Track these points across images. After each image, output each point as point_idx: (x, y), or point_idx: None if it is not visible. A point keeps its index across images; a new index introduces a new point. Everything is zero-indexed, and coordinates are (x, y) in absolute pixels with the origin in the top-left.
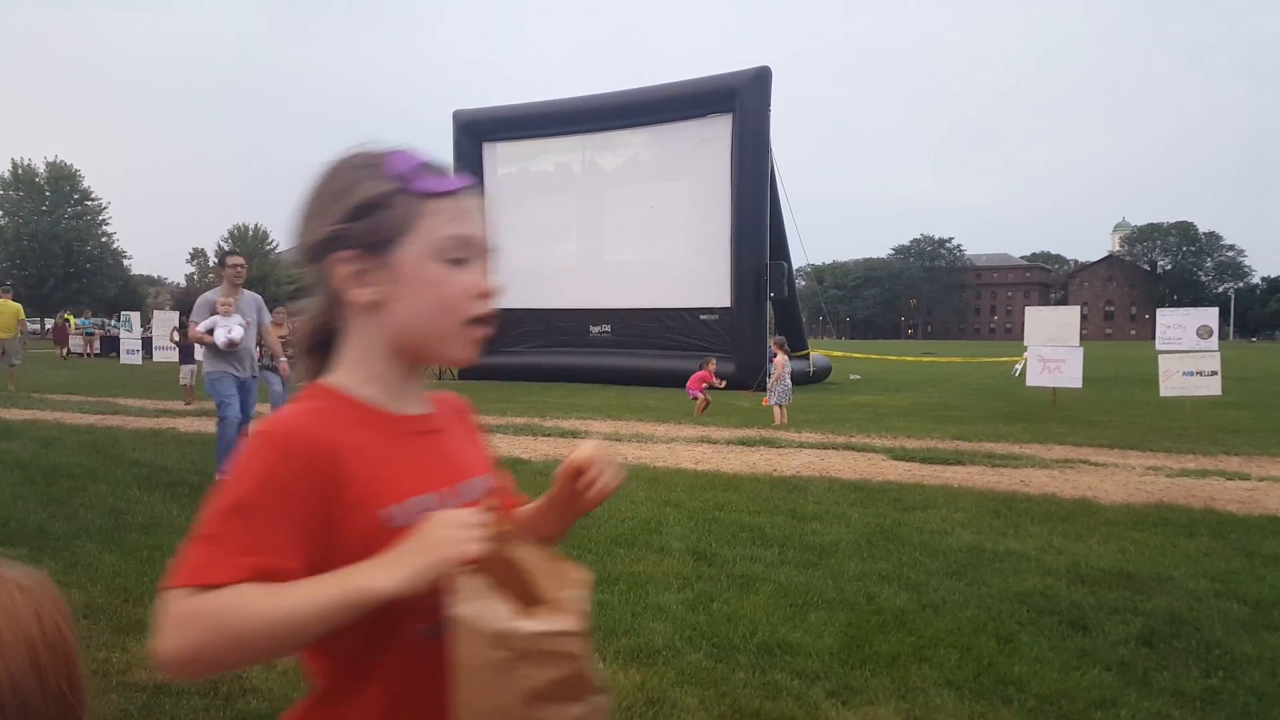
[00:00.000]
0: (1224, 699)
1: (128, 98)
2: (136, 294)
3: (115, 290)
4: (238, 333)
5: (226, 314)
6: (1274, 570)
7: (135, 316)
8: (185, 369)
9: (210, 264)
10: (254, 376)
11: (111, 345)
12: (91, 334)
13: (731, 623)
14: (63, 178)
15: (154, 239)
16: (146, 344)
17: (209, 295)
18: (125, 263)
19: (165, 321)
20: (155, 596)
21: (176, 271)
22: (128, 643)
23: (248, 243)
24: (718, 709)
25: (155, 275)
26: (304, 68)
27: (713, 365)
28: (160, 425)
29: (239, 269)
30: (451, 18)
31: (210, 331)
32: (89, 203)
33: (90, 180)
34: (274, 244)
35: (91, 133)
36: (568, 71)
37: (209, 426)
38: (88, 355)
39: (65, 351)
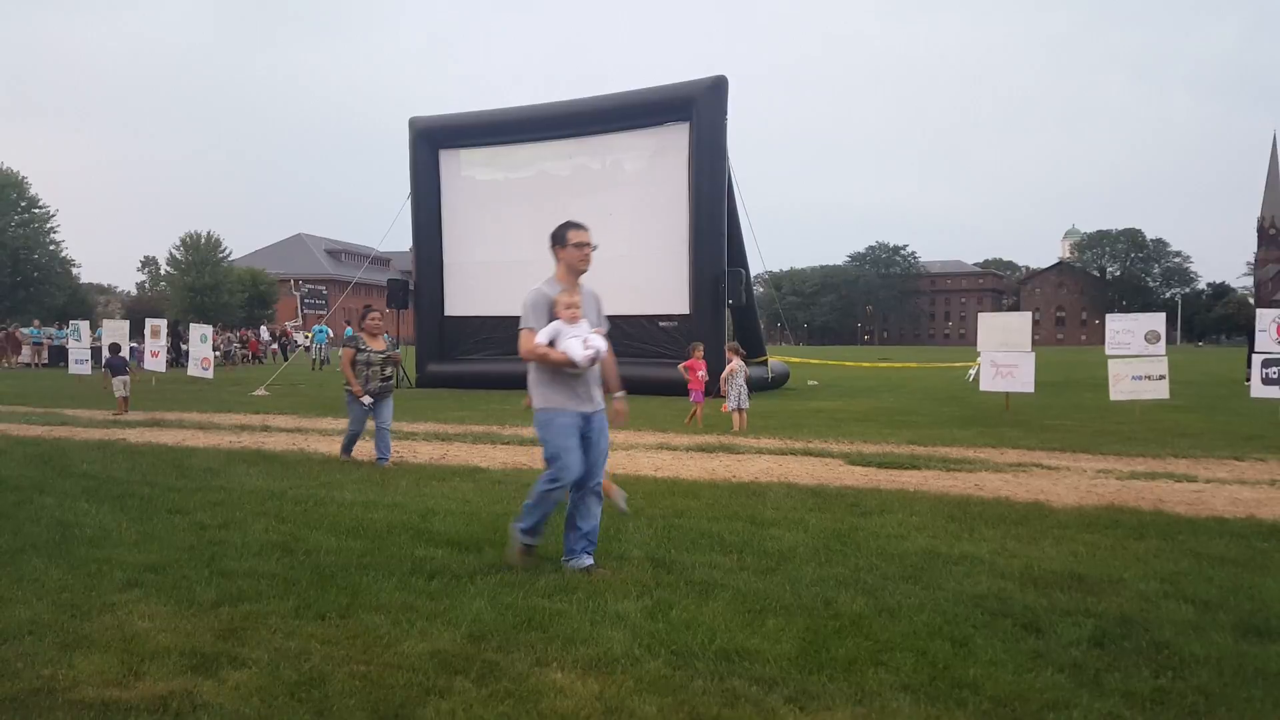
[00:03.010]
0: (1173, 699)
1: (75, 104)
2: (86, 303)
3: (64, 299)
4: (600, 342)
5: (574, 320)
6: (1221, 571)
7: (84, 326)
8: (118, 380)
9: (162, 272)
10: (601, 410)
11: (60, 355)
12: (40, 344)
13: (690, 630)
14: (9, 185)
15: (103, 247)
16: (96, 353)
17: (544, 291)
18: (74, 271)
19: (115, 330)
20: (103, 611)
21: (127, 280)
22: (74, 659)
23: (200, 250)
24: (676, 717)
25: (105, 284)
26: (255, 75)
27: (699, 351)
28: (110, 436)
29: (587, 251)
30: (407, 26)
31: (552, 343)
32: (36, 210)
33: (37, 188)
34: (226, 251)
35: (38, 139)
36: (525, 80)
37: (161, 437)
38: (35, 365)
39: (12, 361)
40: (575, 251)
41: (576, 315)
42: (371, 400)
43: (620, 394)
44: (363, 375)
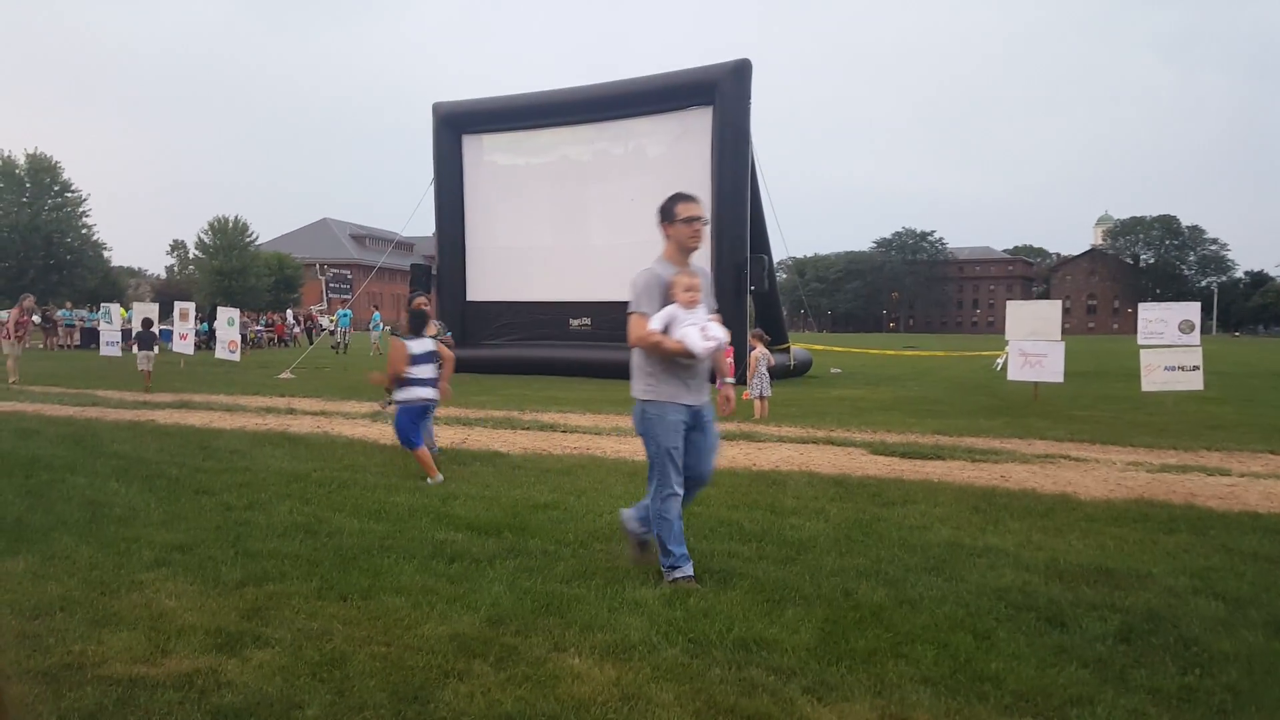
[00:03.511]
0: (1200, 696)
1: (107, 90)
2: (117, 285)
3: (95, 282)
4: (721, 332)
5: (691, 304)
6: (1253, 566)
7: (115, 308)
8: (143, 354)
9: (191, 256)
10: (709, 401)
11: (91, 337)
12: (72, 325)
13: (708, 618)
14: (43, 169)
15: (134, 231)
16: (127, 335)
17: (656, 272)
18: (105, 254)
19: (145, 313)
20: (131, 589)
21: (157, 263)
22: (103, 635)
23: (227, 235)
24: (693, 705)
25: (135, 267)
26: (283, 59)
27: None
28: (139, 417)
29: (698, 226)
30: (432, 10)
31: (667, 330)
32: (69, 194)
33: (70, 172)
34: (253, 236)
35: (71, 124)
36: (547, 64)
37: (189, 419)
38: (68, 347)
39: (51, 343)
40: (685, 227)
41: (696, 299)
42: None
43: (730, 380)
44: None
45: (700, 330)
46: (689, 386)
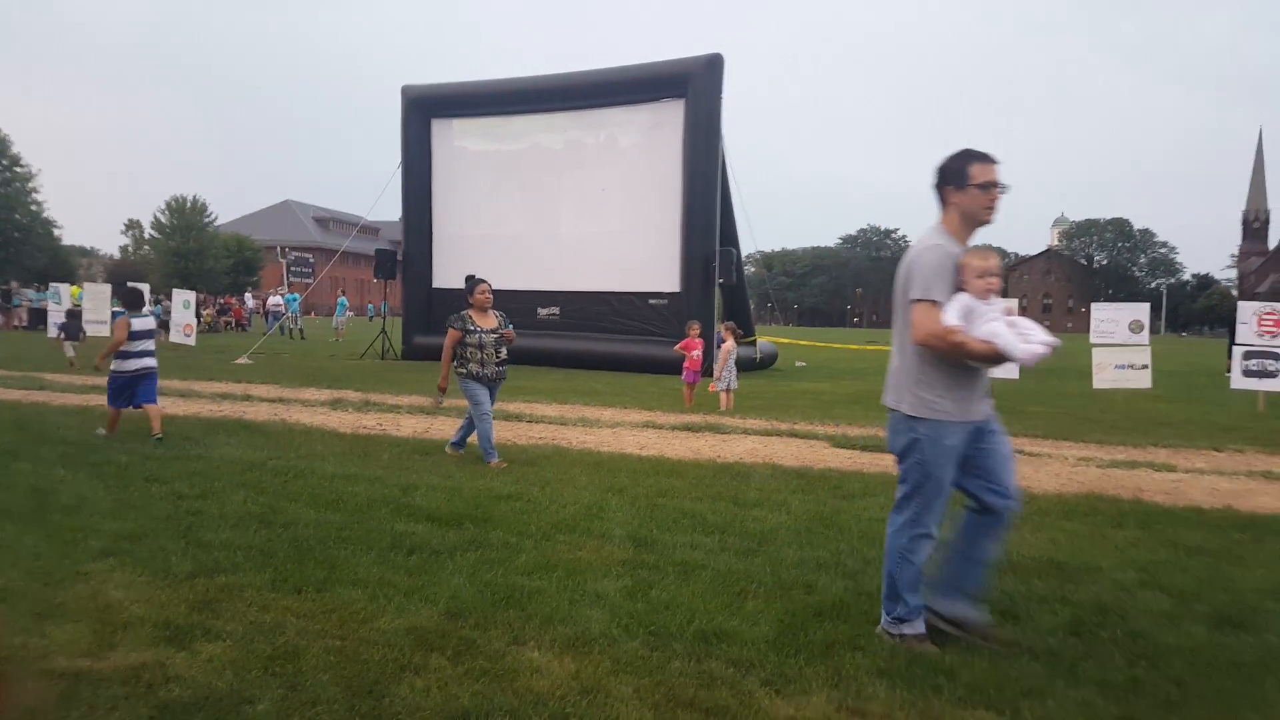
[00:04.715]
0: (1147, 688)
1: (61, 61)
2: (67, 265)
3: (45, 261)
4: (1045, 334)
5: (988, 292)
6: (1197, 561)
7: (65, 288)
8: (69, 344)
9: (146, 236)
10: (993, 409)
11: (40, 318)
12: (19, 305)
13: (669, 610)
14: None
15: (87, 209)
16: (74, 316)
17: (946, 249)
18: (56, 232)
19: (96, 294)
20: (77, 580)
21: (110, 243)
22: (46, 628)
23: (185, 215)
24: (652, 698)
25: (88, 246)
26: (246, 37)
27: (696, 329)
28: (89, 402)
29: (996, 194)
30: None
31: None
32: (18, 169)
33: (19, 146)
34: (212, 217)
35: (20, 97)
36: (517, 48)
37: None
38: (17, 327)
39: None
40: (981, 195)
41: (995, 286)
42: (443, 399)
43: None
44: (477, 359)
45: (1016, 330)
46: (974, 397)
